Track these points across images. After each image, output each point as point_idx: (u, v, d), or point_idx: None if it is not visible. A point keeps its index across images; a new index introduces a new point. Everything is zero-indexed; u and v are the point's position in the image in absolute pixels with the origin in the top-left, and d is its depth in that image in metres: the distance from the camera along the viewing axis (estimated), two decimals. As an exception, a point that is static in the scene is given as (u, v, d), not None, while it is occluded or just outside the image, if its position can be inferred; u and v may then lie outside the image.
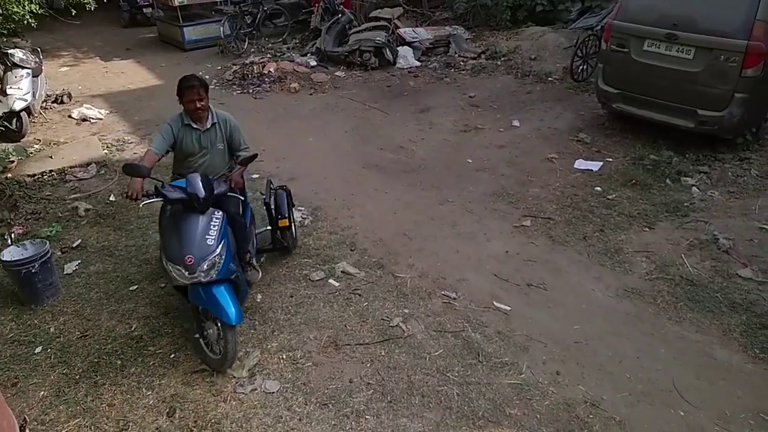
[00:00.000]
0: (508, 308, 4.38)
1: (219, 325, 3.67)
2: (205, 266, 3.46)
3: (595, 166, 6.52)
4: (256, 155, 4.15)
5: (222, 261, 3.55)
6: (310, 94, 9.54)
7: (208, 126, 4.11)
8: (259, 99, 9.35)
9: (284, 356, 3.96)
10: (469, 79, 9.92)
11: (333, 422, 3.44)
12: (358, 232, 5.43)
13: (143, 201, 3.63)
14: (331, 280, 4.72)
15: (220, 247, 3.54)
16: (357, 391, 3.66)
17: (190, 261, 3.43)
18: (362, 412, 3.50)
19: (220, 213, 3.72)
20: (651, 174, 6.22)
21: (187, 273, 3.43)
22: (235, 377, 3.76)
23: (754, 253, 4.88)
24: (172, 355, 3.97)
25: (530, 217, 5.61)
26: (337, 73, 10.51)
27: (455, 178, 6.47)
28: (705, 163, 6.39)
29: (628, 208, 5.63)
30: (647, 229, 5.32)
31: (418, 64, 10.81)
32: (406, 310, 4.37)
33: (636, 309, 4.34)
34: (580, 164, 6.60)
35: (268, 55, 11.40)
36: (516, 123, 7.92)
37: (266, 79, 9.98)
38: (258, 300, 4.50)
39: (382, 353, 3.95)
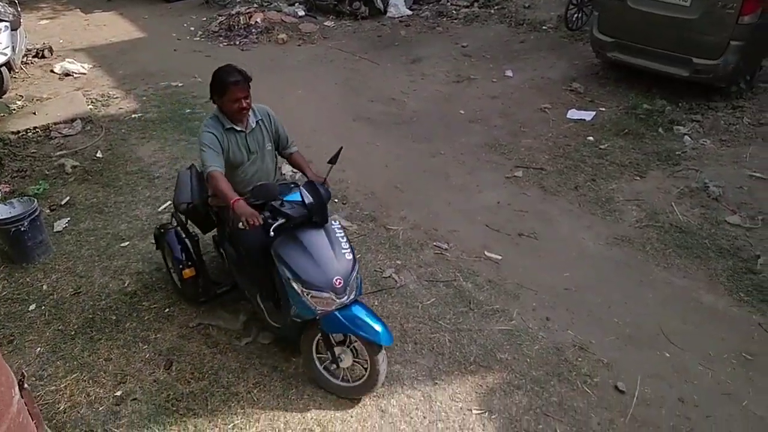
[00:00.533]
0: (499, 257, 4.41)
1: (355, 349, 3.23)
2: (353, 284, 3.03)
3: (588, 115, 6.47)
4: (341, 149, 3.35)
5: (359, 275, 3.18)
6: (299, 45, 9.32)
7: (253, 125, 3.38)
8: (246, 51, 9.12)
9: (278, 308, 4.00)
10: (462, 29, 9.70)
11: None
12: (350, 185, 5.41)
13: (270, 227, 2.96)
14: (323, 233, 4.72)
15: (355, 259, 3.13)
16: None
17: (340, 283, 2.95)
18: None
19: (336, 221, 3.30)
20: (644, 123, 6.18)
21: (337, 298, 2.95)
22: (230, 330, 3.80)
23: (743, 201, 4.91)
24: (167, 310, 4.00)
25: (522, 167, 5.59)
26: (326, 23, 10.25)
27: (447, 130, 6.41)
28: (698, 112, 6.35)
29: (620, 158, 5.62)
30: (638, 178, 5.33)
31: (409, 13, 10.55)
32: (398, 261, 4.40)
33: (625, 256, 4.39)
34: (573, 114, 6.54)
35: (255, 5, 11.06)
36: (509, 73, 7.80)
37: (253, 30, 9.71)
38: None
39: (375, 303, 4.00)
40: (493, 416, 3.21)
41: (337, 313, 2.98)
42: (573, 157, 5.71)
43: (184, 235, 3.87)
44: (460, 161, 5.78)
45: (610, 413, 3.23)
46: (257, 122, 3.41)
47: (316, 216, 3.07)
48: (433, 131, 6.39)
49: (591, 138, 6.02)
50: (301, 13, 10.60)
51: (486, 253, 4.47)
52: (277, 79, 7.92)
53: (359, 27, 10.04)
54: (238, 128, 3.32)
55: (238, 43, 9.41)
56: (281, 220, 2.97)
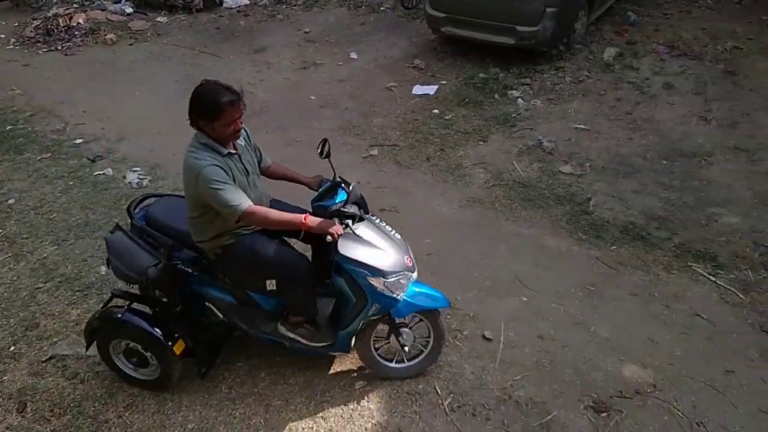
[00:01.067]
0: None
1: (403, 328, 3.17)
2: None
3: (431, 90, 6.78)
4: (326, 141, 3.19)
5: None
6: (131, 45, 8.68)
7: (242, 144, 2.93)
8: (72, 55, 8.32)
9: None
10: (302, 14, 9.63)
11: (205, 381, 3.37)
12: (205, 184, 5.19)
13: (349, 231, 2.83)
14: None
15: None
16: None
17: (410, 261, 3.00)
18: (234, 361, 3.48)
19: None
20: (481, 91, 6.61)
21: (412, 274, 2.99)
22: (90, 357, 3.51)
23: (573, 151, 5.47)
24: (12, 348, 3.60)
25: (377, 146, 5.74)
26: (158, 19, 9.64)
27: (300, 117, 6.38)
28: (527, 76, 6.92)
29: (464, 126, 5.98)
30: (482, 143, 5.71)
31: (247, 2, 10.23)
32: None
33: (477, 216, 4.71)
34: (418, 90, 6.82)
35: (75, 5, 10.09)
36: (354, 55, 7.91)
37: (76, 33, 8.87)
38: (102, 272, 4.19)
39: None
40: (375, 387, 3.31)
41: (405, 297, 2.99)
42: (422, 130, 5.97)
43: (147, 308, 3.20)
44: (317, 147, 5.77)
45: (482, 361, 3.47)
46: (243, 139, 2.95)
47: (363, 209, 3.05)
48: (285, 120, 6.33)
49: (436, 111, 6.32)
50: (129, 10, 9.87)
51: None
52: (111, 82, 7.35)
53: (195, 20, 9.58)
54: (234, 152, 2.82)
55: (60, 47, 8.54)
56: (352, 223, 2.84)
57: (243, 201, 2.67)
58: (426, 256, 4.27)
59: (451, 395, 3.25)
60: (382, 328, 3.22)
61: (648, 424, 3.09)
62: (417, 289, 3.07)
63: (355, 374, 3.39)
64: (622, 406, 3.18)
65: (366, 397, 3.25)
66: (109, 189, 5.19)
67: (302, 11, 9.77)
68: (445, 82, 6.96)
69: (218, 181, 2.64)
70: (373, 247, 2.89)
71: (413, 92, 6.77)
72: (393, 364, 3.31)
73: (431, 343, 3.27)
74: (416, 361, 3.32)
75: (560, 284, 4.02)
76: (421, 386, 3.30)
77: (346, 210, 2.85)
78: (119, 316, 3.07)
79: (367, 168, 5.41)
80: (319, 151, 3.14)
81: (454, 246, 4.39)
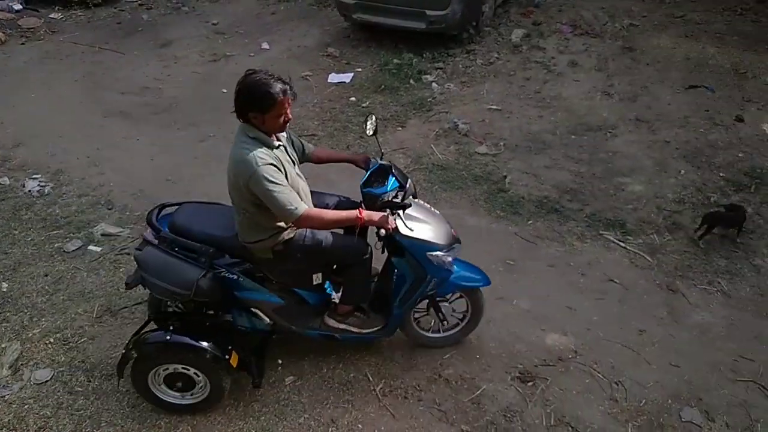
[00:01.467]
0: (287, 228, 4.43)
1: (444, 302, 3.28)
2: None
3: (347, 77, 6.73)
4: (372, 116, 3.18)
5: None
6: (22, 44, 8.03)
7: (284, 134, 2.81)
8: (-47, 58, 7.61)
9: (52, 340, 3.53)
10: (209, 6, 9.27)
11: (125, 388, 3.20)
12: (113, 188, 4.92)
13: (398, 222, 2.77)
14: (91, 247, 4.25)
15: None
16: (145, 351, 3.44)
17: (456, 232, 3.10)
18: (155, 369, 3.32)
19: None
20: (396, 77, 6.63)
21: (460, 246, 3.09)
22: (-9, 381, 3.25)
23: (487, 131, 5.60)
24: None
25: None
26: (51, 15, 8.97)
27: (213, 112, 6.14)
28: (440, 60, 7.00)
29: (382, 112, 5.98)
30: (400, 128, 5.74)
31: (148, -6, 9.73)
32: (184, 256, 4.15)
33: (400, 201, 4.73)
34: (334, 78, 6.75)
35: (-48, 3, 9.23)
36: (266, 46, 7.71)
37: (-44, 33, 8.11)
38: (4, 289, 3.88)
39: (165, 305, 3.74)
40: (306, 380, 3.26)
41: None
42: (340, 119, 5.92)
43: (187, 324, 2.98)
44: (232, 141, 5.58)
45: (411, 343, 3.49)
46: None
47: (413, 193, 3.06)
48: (197, 115, 6.08)
49: (353, 98, 6.28)
50: (18, 6, 9.11)
51: (273, 226, 4.45)
52: (2, 85, 6.78)
53: (93, 16, 8.99)
54: (281, 143, 2.72)
55: (-62, 49, 7.79)
56: (400, 210, 2.79)
57: (299, 204, 2.57)
58: (350, 244, 4.24)
59: (383, 380, 3.26)
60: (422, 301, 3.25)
61: (571, 389, 3.23)
62: (462, 268, 3.16)
63: (285, 369, 3.33)
64: (547, 374, 3.31)
65: (297, 392, 3.20)
66: (7, 199, 4.80)
67: (209, 2, 9.41)
68: (360, 69, 6.92)
69: (275, 182, 2.51)
70: (426, 223, 2.94)
71: (329, 81, 6.70)
72: (429, 334, 3.40)
73: (468, 317, 3.37)
74: (452, 332, 3.42)
75: (482, 261, 4.03)
76: (352, 374, 3.29)
77: (396, 201, 2.83)
78: (167, 338, 2.80)
79: (285, 160, 5.30)
80: (366, 127, 3.14)
81: (377, 232, 4.38)
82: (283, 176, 2.59)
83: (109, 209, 4.65)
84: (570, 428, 3.03)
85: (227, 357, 2.86)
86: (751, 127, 5.50)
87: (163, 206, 3.15)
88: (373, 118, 3.13)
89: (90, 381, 3.27)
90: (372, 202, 2.86)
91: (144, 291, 3.78)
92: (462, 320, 3.40)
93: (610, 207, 4.61)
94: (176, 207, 3.10)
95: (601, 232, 4.37)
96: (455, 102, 6.14)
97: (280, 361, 3.36)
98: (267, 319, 3.06)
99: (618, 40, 7.19)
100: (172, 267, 2.78)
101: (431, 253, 2.89)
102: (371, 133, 3.12)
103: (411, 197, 2.99)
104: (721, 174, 4.94)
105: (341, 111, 6.05)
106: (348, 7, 7.28)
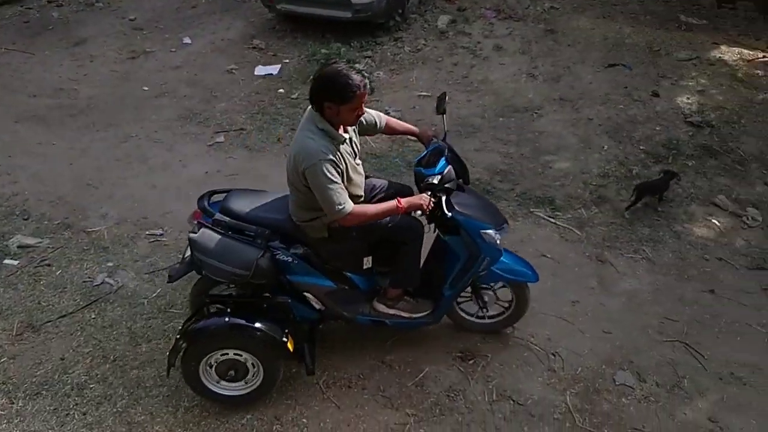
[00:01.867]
0: (220, 227, 4.30)
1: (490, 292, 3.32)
2: None
3: (274, 69, 6.59)
4: (444, 95, 3.21)
5: None
6: None
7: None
8: None
9: (-33, 363, 3.28)
10: (126, 1, 8.82)
11: (53, 407, 3.03)
12: (29, 196, 4.63)
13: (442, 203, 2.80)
14: (6, 261, 3.98)
15: None
16: (73, 366, 3.26)
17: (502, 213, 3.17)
18: (85, 384, 3.16)
19: None
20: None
21: (508, 225, 3.11)
22: None
23: (418, 118, 5.61)
24: None
25: (223, 132, 5.48)
26: (-52, 16, 8.33)
27: (134, 110, 5.89)
28: (368, 49, 6.97)
29: (312, 103, 5.89)
30: (331, 118, 5.67)
31: (57, -10, 9.18)
32: (110, 264, 3.96)
33: (335, 191, 4.69)
34: (260, 70, 6.60)
35: None
36: (187, 40, 7.44)
37: None
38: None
39: (93, 316, 3.56)
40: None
41: (493, 268, 3.07)
42: (269, 111, 5.80)
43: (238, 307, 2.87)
44: (156, 140, 5.39)
45: (353, 333, 3.44)
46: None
47: (464, 178, 3.07)
48: (117, 115, 5.80)
49: (282, 90, 6.17)
50: None
51: (205, 226, 4.31)
52: None
53: (-4, 14, 8.42)
54: (347, 135, 2.73)
55: None
56: (443, 196, 2.81)
57: (347, 203, 2.62)
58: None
59: (326, 372, 3.22)
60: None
61: (511, 363, 3.31)
62: (513, 261, 3.20)
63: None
64: (487, 351, 3.37)
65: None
66: None
67: (125, -3, 8.98)
68: (287, 60, 6.80)
69: (330, 179, 2.56)
70: (477, 205, 3.02)
71: (256, 73, 6.54)
72: (473, 318, 3.42)
73: (512, 308, 3.36)
74: (495, 320, 3.41)
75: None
76: (294, 370, 3.22)
77: (438, 184, 2.82)
78: (226, 320, 2.75)
79: (214, 156, 5.14)
80: (436, 105, 3.14)
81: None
82: (341, 172, 2.63)
83: (26, 219, 4.37)
84: (511, 402, 3.10)
85: (285, 340, 2.80)
86: (666, 102, 5.78)
87: (212, 193, 3.15)
88: (445, 96, 3.16)
89: (13, 402, 3.07)
90: (420, 180, 2.93)
91: (72, 302, 3.64)
92: (506, 310, 3.40)
93: (539, 185, 4.73)
94: (225, 193, 3.10)
95: (531, 209, 4.49)
96: (385, 90, 6.13)
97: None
98: (317, 306, 3.05)
99: (540, 23, 7.37)
100: (229, 248, 2.75)
101: (485, 231, 2.92)
102: (440, 112, 3.14)
103: (458, 182, 2.98)
104: (641, 147, 5.17)
105: (270, 103, 5.93)
106: (271, -3, 7.12)
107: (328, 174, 2.54)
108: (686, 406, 3.11)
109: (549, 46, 6.86)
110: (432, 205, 2.78)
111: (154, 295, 3.71)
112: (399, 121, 3.26)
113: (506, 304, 3.39)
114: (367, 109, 2.88)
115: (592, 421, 3.01)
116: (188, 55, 7.05)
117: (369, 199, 3.01)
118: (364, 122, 2.93)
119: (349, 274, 3.07)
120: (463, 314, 3.42)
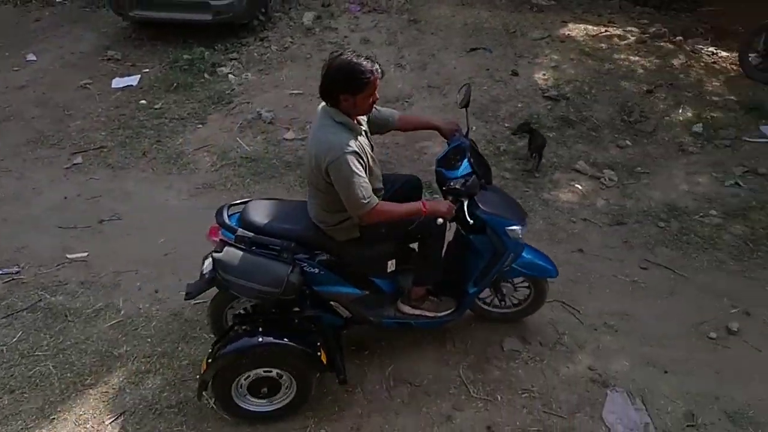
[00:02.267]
0: (86, 254, 3.99)
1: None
2: None
3: (133, 80, 6.21)
4: (468, 86, 3.16)
5: None
6: None
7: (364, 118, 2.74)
8: None
9: None
10: (-49, 19, 7.93)
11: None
12: None
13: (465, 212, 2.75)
14: None
15: None
16: None
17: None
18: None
19: None
20: (189, 73, 6.26)
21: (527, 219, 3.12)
22: None
23: (292, 116, 5.55)
24: None
25: (80, 152, 5.09)
26: None
27: (-26, 139, 5.30)
28: (234, 51, 6.76)
29: (178, 112, 5.62)
30: (201, 126, 5.45)
31: None
32: (-43, 315, 3.53)
33: (211, 201, 4.47)
34: (118, 82, 6.19)
35: None
36: (32, 57, 6.81)
37: None
38: None
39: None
40: (130, 414, 2.96)
41: (515, 264, 3.06)
42: (131, 125, 5.45)
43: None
44: (4, 168, 4.89)
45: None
46: None
47: (486, 178, 3.00)
48: (-47, 146, 5.19)
49: (144, 101, 5.82)
50: None
51: (68, 256, 3.97)
52: None
53: None
54: (363, 127, 2.68)
55: None
56: (465, 201, 2.75)
57: (373, 198, 2.55)
58: (164, 256, 3.96)
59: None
60: None
61: (400, 347, 3.35)
62: (534, 256, 3.20)
63: (108, 403, 2.99)
64: (380, 338, 3.38)
65: (122, 425, 2.89)
66: None
67: (-49, 14, 8.05)
68: (147, 70, 6.42)
69: (356, 172, 2.48)
70: (500, 202, 3.01)
71: (113, 86, 6.13)
72: (490, 308, 3.47)
73: (529, 301, 3.40)
74: (513, 310, 3.46)
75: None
76: (182, 394, 3.05)
77: (459, 189, 2.76)
78: (259, 340, 2.65)
79: (72, 179, 4.75)
80: (458, 98, 3.09)
81: (191, 239, 4.04)
82: (365, 165, 2.56)
83: None
84: (409, 385, 3.14)
85: (318, 354, 2.76)
86: (525, 80, 6.12)
87: (229, 206, 3.02)
88: (469, 88, 3.09)
89: None
90: (442, 183, 2.93)
91: None
92: (522, 302, 3.43)
93: (416, 171, 4.81)
94: (242, 205, 2.99)
95: (412, 195, 4.57)
96: (255, 91, 5.98)
97: (108, 398, 3.02)
98: (342, 315, 3.04)
99: (403, 14, 7.52)
100: (257, 265, 2.67)
101: (510, 228, 2.91)
102: (462, 105, 3.06)
103: (480, 182, 2.90)
104: (506, 125, 5.45)
105: (131, 116, 5.57)
106: (122, 4, 6.69)
107: (353, 166, 2.48)
108: (568, 360, 3.31)
109: (414, 36, 7.02)
110: (452, 211, 2.77)
111: (15, 340, 3.35)
112: (414, 115, 3.23)
113: (523, 297, 3.44)
114: (377, 107, 2.82)
115: (486, 389, 3.12)
116: (34, 72, 6.45)
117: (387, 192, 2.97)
118: (375, 121, 2.89)
119: (374, 279, 3.06)
120: (482, 304, 3.48)
